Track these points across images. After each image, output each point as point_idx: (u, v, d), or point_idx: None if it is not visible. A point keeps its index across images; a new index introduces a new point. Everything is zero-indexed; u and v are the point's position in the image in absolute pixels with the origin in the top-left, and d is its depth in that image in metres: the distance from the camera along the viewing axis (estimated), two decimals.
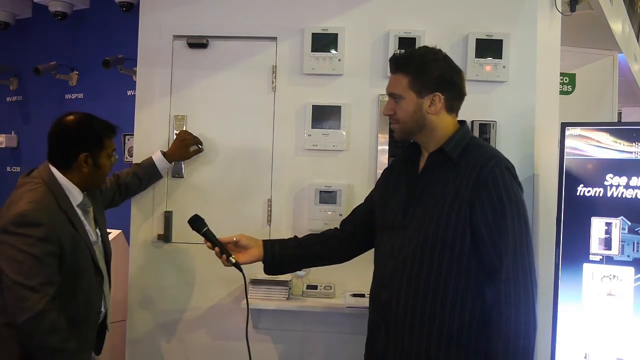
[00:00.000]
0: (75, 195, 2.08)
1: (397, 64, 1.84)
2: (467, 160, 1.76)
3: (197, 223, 2.07)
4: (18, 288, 1.87)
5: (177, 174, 2.80)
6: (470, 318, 1.74)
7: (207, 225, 2.06)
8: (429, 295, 1.75)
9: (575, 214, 2.56)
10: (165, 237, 2.78)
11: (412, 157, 1.94)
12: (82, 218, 2.09)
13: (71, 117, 2.11)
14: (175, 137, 2.75)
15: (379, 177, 2.16)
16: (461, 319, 1.74)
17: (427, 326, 1.75)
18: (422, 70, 1.81)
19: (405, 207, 1.84)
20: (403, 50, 1.96)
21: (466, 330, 1.74)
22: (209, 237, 2.03)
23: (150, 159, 2.68)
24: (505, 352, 1.65)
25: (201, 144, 2.75)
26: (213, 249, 2.02)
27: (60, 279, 1.95)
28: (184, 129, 2.76)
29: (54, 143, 2.09)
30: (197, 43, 2.76)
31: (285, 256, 2.10)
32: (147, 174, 2.66)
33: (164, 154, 2.68)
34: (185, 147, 2.71)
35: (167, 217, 2.78)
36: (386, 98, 2.69)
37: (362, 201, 2.23)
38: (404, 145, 2.03)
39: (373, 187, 2.74)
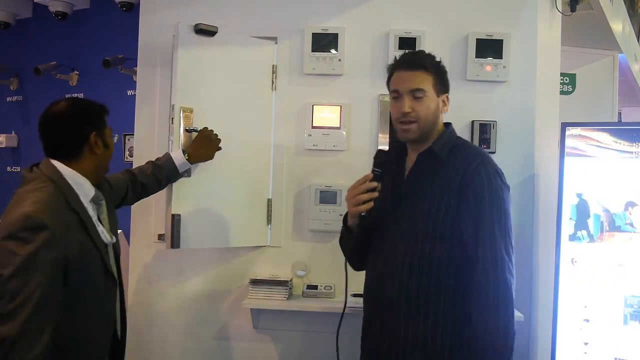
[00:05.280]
0: (87, 189, 1.85)
1: (421, 62, 1.87)
2: (455, 159, 1.84)
3: (381, 159, 1.91)
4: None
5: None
6: (465, 304, 1.77)
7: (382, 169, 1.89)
8: (430, 287, 1.80)
9: None
10: (174, 241, 2.50)
11: (398, 157, 1.99)
12: (95, 217, 1.87)
13: (62, 104, 1.88)
14: (182, 133, 2.49)
15: None
16: (457, 304, 1.78)
17: (431, 316, 1.79)
18: (440, 70, 1.90)
19: (395, 206, 1.89)
20: (407, 51, 2.04)
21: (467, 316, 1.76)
22: (378, 178, 1.87)
23: (170, 159, 2.41)
24: (481, 318, 1.71)
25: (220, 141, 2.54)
26: (371, 190, 1.85)
27: (63, 290, 1.71)
28: (205, 126, 2.51)
29: (52, 135, 1.86)
30: (206, 30, 2.58)
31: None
32: (166, 176, 2.40)
33: (184, 152, 2.43)
34: (211, 145, 2.50)
35: (177, 220, 2.51)
36: (386, 98, 2.75)
37: None
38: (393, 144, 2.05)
39: None
